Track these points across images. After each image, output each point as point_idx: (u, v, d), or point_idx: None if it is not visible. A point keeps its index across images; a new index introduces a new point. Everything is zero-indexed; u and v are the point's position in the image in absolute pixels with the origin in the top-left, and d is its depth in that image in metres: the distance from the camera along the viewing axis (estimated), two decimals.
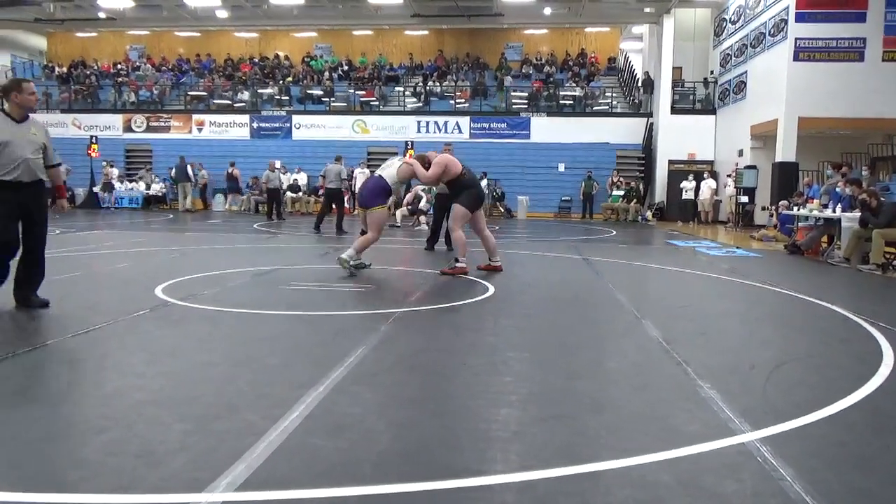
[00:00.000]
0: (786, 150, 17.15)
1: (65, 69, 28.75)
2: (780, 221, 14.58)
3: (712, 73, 23.05)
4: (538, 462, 2.57)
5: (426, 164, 7.89)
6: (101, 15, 25.36)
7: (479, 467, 2.50)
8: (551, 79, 26.25)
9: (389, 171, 7.80)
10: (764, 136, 18.78)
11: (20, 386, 3.40)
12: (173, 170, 22.11)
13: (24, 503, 2.14)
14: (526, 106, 24.87)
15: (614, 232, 16.47)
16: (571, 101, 24.99)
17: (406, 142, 22.84)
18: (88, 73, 28.23)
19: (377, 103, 25.50)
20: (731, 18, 21.32)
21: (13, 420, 2.92)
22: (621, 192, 21.91)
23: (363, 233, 7.83)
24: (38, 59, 30.98)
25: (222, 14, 24.97)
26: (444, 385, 3.59)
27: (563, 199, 23.35)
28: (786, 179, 16.69)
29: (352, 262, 7.50)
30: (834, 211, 10.99)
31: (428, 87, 25.89)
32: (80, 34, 29.76)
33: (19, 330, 4.68)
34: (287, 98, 25.84)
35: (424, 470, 2.47)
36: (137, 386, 3.39)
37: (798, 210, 12.95)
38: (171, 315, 5.18)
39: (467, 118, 24.41)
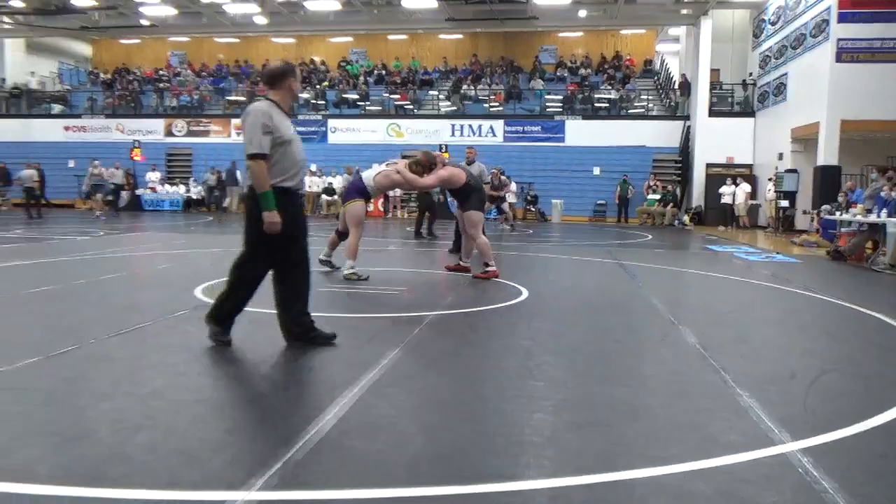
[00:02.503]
0: (828, 154, 16.71)
1: (109, 75, 29.54)
2: (823, 226, 14.21)
3: (751, 74, 22.60)
4: (572, 469, 2.55)
5: (431, 163, 7.60)
6: (144, 22, 26.00)
7: (513, 472, 2.49)
8: (586, 81, 26.05)
9: (369, 172, 7.75)
10: (805, 139, 18.34)
11: (64, 383, 3.50)
12: (223, 173, 22.80)
13: (68, 497, 2.21)
14: (560, 109, 24.72)
15: (650, 236, 16.25)
16: (606, 104, 24.76)
17: (440, 145, 22.89)
18: (131, 79, 28.96)
19: (411, 107, 25.62)
20: (770, 19, 20.90)
21: (58, 416, 3.01)
22: (657, 196, 21.61)
23: (338, 233, 7.81)
24: (84, 66, 31.92)
25: (260, 20, 25.38)
26: (477, 388, 3.59)
27: (598, 202, 23.13)
28: (828, 183, 16.27)
29: (353, 268, 7.26)
30: (879, 216, 10.67)
31: (462, 91, 25.93)
32: (123, 41, 30.55)
33: (62, 329, 4.81)
34: (323, 102, 26.15)
35: (457, 473, 2.47)
36: (177, 385, 3.46)
37: (841, 215, 12.62)
38: None
39: (501, 121, 24.37)
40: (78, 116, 26.71)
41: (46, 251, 10.14)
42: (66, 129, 26.28)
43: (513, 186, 22.00)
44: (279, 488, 2.29)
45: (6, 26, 26.53)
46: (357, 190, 7.61)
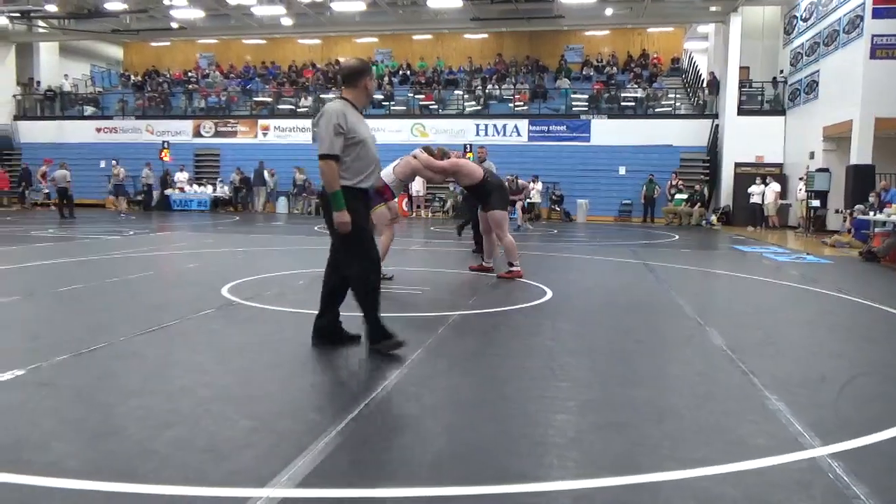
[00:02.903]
0: (861, 153, 16.35)
1: (139, 77, 30.06)
2: (855, 227, 13.91)
3: (782, 72, 22.21)
4: (596, 470, 2.53)
5: (444, 156, 7.57)
6: (174, 25, 26.41)
7: (536, 473, 2.48)
8: (612, 80, 25.83)
9: (386, 169, 7.41)
10: (837, 137, 17.96)
11: (95, 380, 3.57)
12: (251, 173, 23.16)
13: (100, 491, 2.25)
14: (586, 108, 24.55)
15: (676, 237, 16.06)
16: (633, 103, 24.52)
17: (465, 145, 22.87)
18: (161, 80, 29.42)
19: (436, 107, 25.66)
20: (802, 16, 20.51)
21: (88, 413, 3.07)
22: (684, 196, 21.34)
23: None
24: (115, 68, 32.53)
25: (287, 22, 25.61)
26: (501, 389, 3.58)
27: (624, 202, 22.92)
28: (861, 183, 15.92)
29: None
30: None
31: (487, 91, 25.89)
32: (153, 44, 31.06)
33: (93, 326, 4.91)
34: None
35: (480, 473, 2.47)
36: (204, 383, 3.51)
37: (875, 215, 12.33)
38: (236, 314, 5.35)
39: (526, 121, 24.27)
40: (109, 118, 27.22)
41: (78, 250, 10.35)
42: (98, 130, 26.80)
43: (539, 186, 21.93)
44: (304, 485, 2.31)
45: (41, 30, 27.14)
46: (375, 192, 7.46)
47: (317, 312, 4.32)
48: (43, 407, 3.12)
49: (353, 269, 4.06)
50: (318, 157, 3.92)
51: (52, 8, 24.22)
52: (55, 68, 28.90)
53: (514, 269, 7.59)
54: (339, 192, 3.90)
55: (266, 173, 23.43)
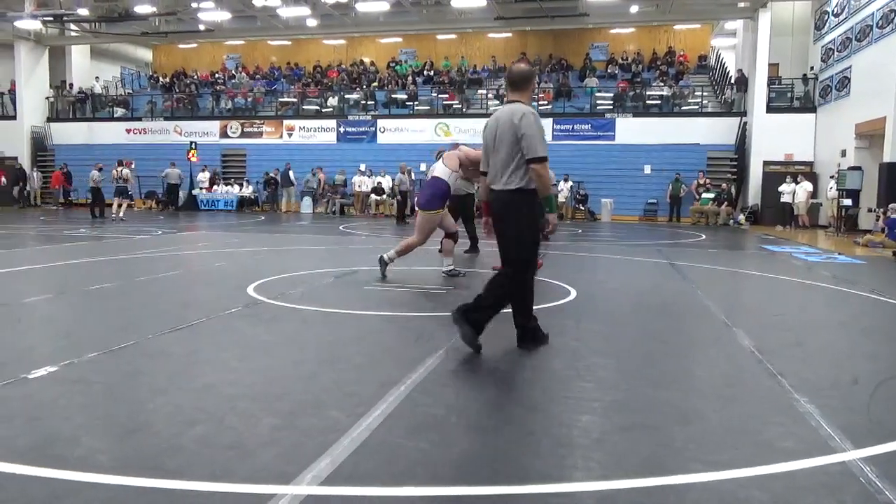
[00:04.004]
0: (895, 150, 15.99)
1: (168, 79, 30.52)
2: (888, 226, 13.59)
3: (812, 69, 21.79)
4: (621, 472, 2.51)
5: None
6: (201, 27, 26.76)
7: (559, 474, 2.47)
8: (638, 78, 25.58)
9: (444, 170, 7.23)
10: (870, 135, 17.58)
11: (124, 377, 3.63)
12: (278, 174, 23.57)
13: (126, 486, 2.29)
14: (611, 107, 24.34)
15: (703, 236, 15.85)
16: (658, 101, 24.26)
17: None
18: (188, 82, 29.84)
19: (460, 106, 25.65)
20: (833, 11, 20.11)
21: (118, 409, 3.13)
22: (711, 195, 21.05)
23: (449, 236, 7.49)
24: (145, 70, 33.09)
25: (312, 23, 25.80)
26: (524, 389, 3.57)
27: (649, 201, 22.68)
28: (895, 181, 15.56)
29: (444, 270, 7.39)
30: None
31: None
32: (181, 46, 31.51)
33: (122, 324, 4.99)
34: (372, 103, 26.41)
35: (504, 474, 2.46)
36: (230, 381, 3.55)
37: None
38: (262, 313, 5.40)
39: (550, 120, 24.13)
40: (139, 119, 27.67)
41: (108, 249, 10.55)
42: (128, 131, 27.27)
43: (568, 185, 21.80)
44: (327, 483, 2.33)
45: (73, 34, 27.69)
46: (441, 196, 7.21)
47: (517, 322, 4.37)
48: (74, 403, 3.19)
49: (518, 266, 4.19)
50: (534, 161, 4.02)
51: (84, 12, 24.69)
52: (87, 71, 29.47)
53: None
54: (552, 196, 4.22)
55: (291, 174, 23.64)
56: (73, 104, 28.40)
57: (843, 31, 19.34)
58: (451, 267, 7.55)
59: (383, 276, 7.30)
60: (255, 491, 2.26)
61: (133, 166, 20.74)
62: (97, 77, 29.31)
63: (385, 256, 7.41)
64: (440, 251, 7.74)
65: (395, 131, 25.20)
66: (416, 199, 7.88)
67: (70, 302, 5.97)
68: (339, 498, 2.25)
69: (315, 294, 6.42)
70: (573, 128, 24.00)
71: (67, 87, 28.72)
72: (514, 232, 4.16)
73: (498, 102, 25.55)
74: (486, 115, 24.65)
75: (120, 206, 17.98)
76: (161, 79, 30.74)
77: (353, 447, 2.63)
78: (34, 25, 25.44)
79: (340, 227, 16.61)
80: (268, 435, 2.76)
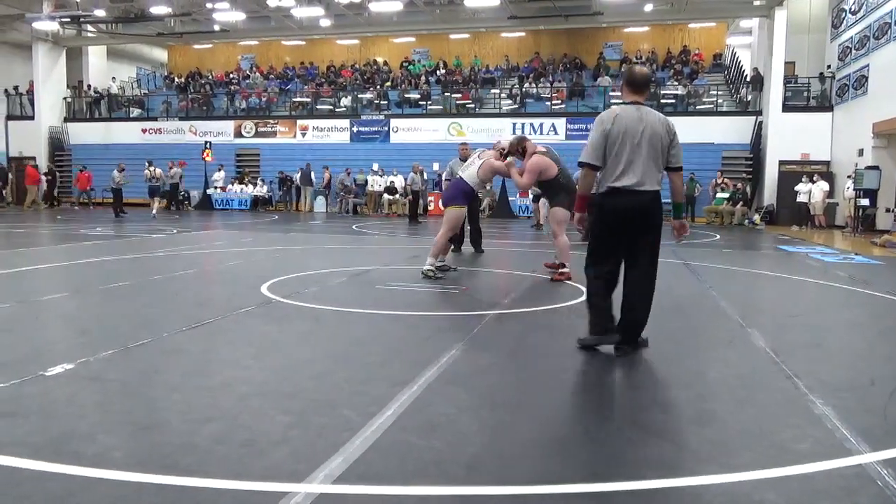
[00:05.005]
0: None
1: (183, 79, 30.75)
2: None
3: (829, 67, 21.56)
4: (633, 473, 2.49)
5: (521, 149, 7.47)
6: (216, 28, 26.94)
7: (571, 474, 2.46)
8: (652, 77, 25.41)
9: (470, 170, 7.49)
10: (888, 134, 17.37)
11: (139, 374, 3.66)
12: (299, 173, 23.73)
13: (143, 483, 2.31)
14: None
15: (718, 236, 15.73)
16: (673, 100, 24.10)
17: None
18: (203, 82, 30.05)
19: (473, 106, 25.63)
20: (851, 8, 19.88)
21: (133, 406, 3.15)
22: (726, 195, 20.88)
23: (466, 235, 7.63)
24: (160, 71, 33.35)
25: (326, 23, 25.89)
26: (536, 389, 3.56)
27: (663, 202, 22.53)
28: None
29: (433, 266, 7.31)
30: None
31: (524, 89, 25.75)
32: (196, 46, 31.72)
33: (137, 322, 5.03)
34: (385, 102, 26.46)
35: (516, 474, 2.46)
36: (243, 379, 3.57)
37: None
38: (275, 312, 5.43)
39: (563, 119, 24.07)
40: (154, 119, 27.90)
41: (124, 248, 10.65)
42: (144, 131, 27.50)
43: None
44: (339, 482, 2.33)
45: (90, 34, 27.98)
46: (463, 193, 7.42)
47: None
48: (91, 400, 3.22)
49: (654, 276, 4.38)
50: (679, 169, 4.34)
51: (100, 13, 24.94)
52: (103, 71, 29.77)
53: (564, 270, 7.38)
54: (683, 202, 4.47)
55: (313, 174, 23.71)
56: (89, 105, 28.69)
57: (860, 29, 19.11)
58: (437, 265, 7.46)
59: (438, 277, 7.22)
60: (269, 489, 2.27)
61: (186, 165, 21.45)
62: (113, 77, 29.59)
63: (424, 269, 7.26)
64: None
65: (408, 131, 25.22)
66: (441, 197, 8.00)
67: (86, 300, 6.04)
68: (352, 496, 2.26)
69: (328, 293, 6.44)
70: (587, 127, 23.84)
71: (84, 88, 29.02)
72: (660, 232, 4.30)
73: (511, 102, 25.52)
74: (500, 115, 24.81)
75: (153, 204, 18.59)
76: (176, 79, 30.97)
77: (366, 446, 2.64)
78: (52, 27, 25.74)
79: (353, 227, 16.66)
80: (281, 433, 2.77)
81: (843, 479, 2.46)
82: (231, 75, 30.53)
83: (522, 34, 28.88)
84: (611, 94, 24.73)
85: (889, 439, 2.81)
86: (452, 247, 9.92)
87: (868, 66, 18.45)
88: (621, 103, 4.35)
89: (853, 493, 2.34)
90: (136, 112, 28.55)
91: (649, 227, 4.24)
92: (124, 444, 2.67)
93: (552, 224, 7.71)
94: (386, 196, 22.74)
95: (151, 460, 2.49)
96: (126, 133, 27.38)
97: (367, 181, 23.44)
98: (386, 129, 25.44)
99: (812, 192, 18.98)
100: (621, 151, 4.11)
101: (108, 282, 6.86)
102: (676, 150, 4.19)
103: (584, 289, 6.74)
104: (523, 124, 24.23)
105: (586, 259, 4.35)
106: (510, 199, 22.11)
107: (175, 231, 14.24)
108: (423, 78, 27.59)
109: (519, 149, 7.49)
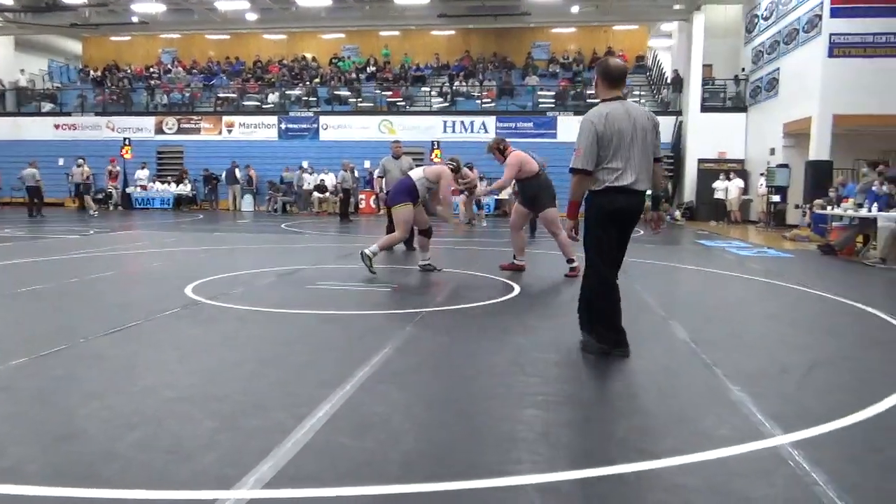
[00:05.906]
0: (820, 149, 16.79)
1: (99, 73, 29.33)
2: (814, 221, 14.27)
3: (743, 70, 22.66)
4: (564, 463, 2.56)
5: (500, 150, 7.68)
6: (135, 19, 25.84)
7: (505, 468, 2.49)
8: (578, 77, 26.05)
9: (416, 171, 7.81)
10: (797, 134, 18.41)
11: (55, 382, 3.47)
12: (224, 173, 23.09)
13: (60, 497, 2.19)
14: (553, 105, 24.72)
15: (641, 232, 16.26)
16: (598, 100, 24.73)
17: (432, 141, 22.87)
18: (122, 76, 28.76)
19: (403, 104, 25.58)
20: (763, 14, 20.95)
21: (48, 416, 2.99)
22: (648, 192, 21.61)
23: (423, 233, 7.79)
24: (74, 63, 31.66)
25: (251, 17, 25.26)
26: (469, 385, 3.59)
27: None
28: (819, 178, 16.34)
29: (375, 253, 7.38)
30: (870, 210, 10.73)
31: (454, 87, 25.89)
32: (114, 38, 30.32)
33: (53, 328, 4.78)
34: (314, 99, 26.04)
35: (449, 470, 2.47)
36: (168, 383, 3.45)
37: (832, 209, 12.68)
38: (200, 314, 5.26)
39: (493, 118, 24.34)
40: (68, 114, 26.51)
41: (38, 250, 10.08)
42: (57, 127, 26.09)
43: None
44: (270, 486, 2.29)
45: None
46: (406, 191, 7.54)
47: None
48: (1, 411, 3.03)
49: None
50: (660, 160, 4.31)
51: (7, 1, 23.48)
52: (11, 63, 28.02)
53: (574, 265, 7.39)
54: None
55: (237, 171, 23.11)
56: None
57: (771, 35, 20.17)
58: (428, 262, 7.74)
59: (371, 272, 7.25)
60: (196, 497, 2.21)
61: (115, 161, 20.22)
62: (22, 70, 27.90)
63: (367, 251, 7.34)
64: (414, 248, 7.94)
65: (339, 128, 24.92)
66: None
67: None
68: (284, 500, 2.22)
69: (256, 294, 6.30)
70: (516, 125, 24.25)
71: None
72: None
73: (442, 100, 25.61)
74: (430, 112, 24.85)
75: (87, 203, 18.10)
76: (92, 72, 29.50)
77: (297, 448, 2.59)
78: None
79: (283, 226, 16.34)
80: (208, 438, 2.69)
81: (758, 461, 2.60)
82: (151, 69, 29.36)
83: (452, 32, 29.01)
84: (539, 92, 25.18)
85: (800, 422, 2.98)
86: (406, 247, 9.96)
87: (779, 69, 19.49)
88: (601, 101, 4.30)
89: (768, 474, 2.48)
90: (48, 107, 27.05)
91: (634, 223, 4.31)
92: (39, 455, 2.53)
93: (548, 226, 7.85)
94: (316, 194, 22.40)
95: (70, 472, 2.37)
96: (37, 129, 25.90)
97: (295, 179, 23.07)
98: (315, 126, 25.06)
99: (728, 189, 19.90)
100: (617, 151, 4.06)
101: (19, 286, 6.48)
102: (658, 142, 4.22)
103: (514, 285, 6.88)
104: (454, 122, 24.37)
105: (592, 265, 4.26)
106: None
107: (91, 232, 13.59)
108: (353, 75, 27.32)
109: (498, 148, 7.71)
